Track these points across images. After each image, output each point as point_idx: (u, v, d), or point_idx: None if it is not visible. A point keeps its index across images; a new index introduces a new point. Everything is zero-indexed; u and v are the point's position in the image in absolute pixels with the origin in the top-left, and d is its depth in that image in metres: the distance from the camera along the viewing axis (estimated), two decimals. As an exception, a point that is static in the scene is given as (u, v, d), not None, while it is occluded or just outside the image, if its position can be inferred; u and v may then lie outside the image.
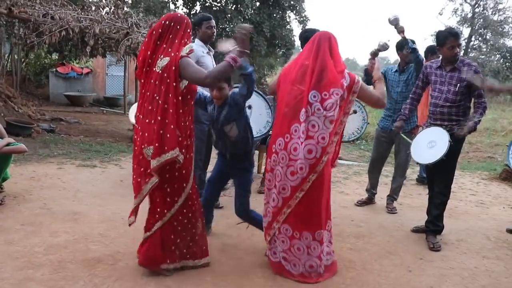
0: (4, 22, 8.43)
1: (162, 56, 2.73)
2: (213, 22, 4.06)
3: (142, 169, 2.80)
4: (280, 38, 18.81)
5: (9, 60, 13.01)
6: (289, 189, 2.94)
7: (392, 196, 4.81)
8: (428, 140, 3.78)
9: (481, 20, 26.56)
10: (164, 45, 2.76)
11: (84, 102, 13.80)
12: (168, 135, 2.70)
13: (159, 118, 2.70)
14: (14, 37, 8.76)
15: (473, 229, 4.27)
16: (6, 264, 2.96)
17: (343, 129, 3.15)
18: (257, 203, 4.72)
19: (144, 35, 8.54)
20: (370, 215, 4.59)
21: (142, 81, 2.87)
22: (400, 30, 4.33)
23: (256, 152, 5.86)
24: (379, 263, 3.39)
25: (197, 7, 18.42)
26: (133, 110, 5.68)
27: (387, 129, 4.65)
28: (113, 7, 8.96)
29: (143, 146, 2.76)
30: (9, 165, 4.32)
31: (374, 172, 4.91)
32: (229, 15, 17.25)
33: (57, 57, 15.12)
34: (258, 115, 4.55)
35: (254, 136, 4.48)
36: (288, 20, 19.65)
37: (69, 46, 10.08)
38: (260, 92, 5.02)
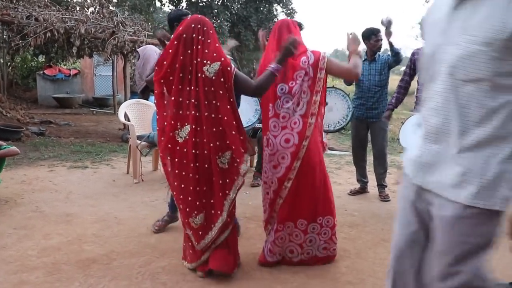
0: (-12, 26, 8.33)
1: (209, 62, 2.64)
2: None
3: (220, 181, 2.73)
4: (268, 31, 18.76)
5: (-5, 64, 12.87)
6: (276, 181, 2.98)
7: (381, 184, 4.83)
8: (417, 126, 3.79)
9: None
10: (206, 50, 2.66)
11: (73, 103, 13.69)
12: (241, 137, 2.74)
13: (233, 122, 2.71)
14: (-1, 41, 8.68)
15: (466, 213, 4.30)
16: (0, 268, 2.93)
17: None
18: (251, 197, 4.73)
19: (131, 33, 8.50)
20: (363, 204, 4.62)
21: (173, 87, 2.69)
22: (389, 35, 4.38)
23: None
24: (373, 251, 3.41)
25: (183, 4, 18.31)
26: (122, 110, 5.64)
27: (361, 117, 4.70)
28: (98, 7, 8.90)
29: (217, 156, 2.70)
30: (2, 170, 4.29)
31: (359, 160, 4.94)
32: (215, 10, 17.18)
33: (43, 60, 14.99)
34: (246, 104, 4.56)
35: (244, 125, 4.48)
36: (275, 13, 19.61)
37: (55, 47, 10.00)
38: None
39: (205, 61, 2.65)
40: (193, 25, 2.69)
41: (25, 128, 8.18)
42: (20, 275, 2.86)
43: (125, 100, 9.00)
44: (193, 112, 2.67)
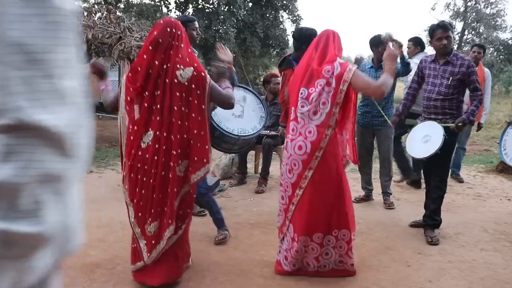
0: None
1: (182, 67, 2.59)
2: (197, 24, 4.06)
3: (175, 189, 2.65)
4: (273, 38, 18.85)
5: (3, 69, 12.98)
6: (290, 187, 2.96)
7: (386, 191, 4.81)
8: (423, 135, 3.79)
9: (474, 14, 26.67)
10: (180, 55, 2.61)
11: (79, 108, 13.77)
12: (206, 147, 2.69)
13: (195, 131, 2.64)
14: (7, 46, 8.73)
15: (471, 222, 4.28)
16: (4, 272, 2.94)
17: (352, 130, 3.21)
18: (255, 204, 4.74)
19: (137, 39, 8.54)
20: (368, 211, 4.60)
21: (146, 93, 2.61)
22: (398, 46, 4.29)
23: (252, 152, 5.87)
24: (377, 258, 3.39)
25: (190, 10, 18.42)
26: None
27: (367, 124, 4.69)
28: (105, 12, 8.95)
29: (177, 164, 2.63)
30: None
31: (365, 168, 4.91)
32: (222, 17, 17.26)
33: (51, 64, 15.09)
34: (251, 111, 4.57)
35: (250, 133, 4.50)
36: (281, 20, 19.70)
37: (62, 52, 10.05)
38: (250, 89, 5.03)
39: (178, 66, 2.59)
40: (168, 29, 2.63)
41: (32, 132, 8.22)
42: (24, 279, 2.86)
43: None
44: (158, 118, 2.60)
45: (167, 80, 2.58)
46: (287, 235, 3.03)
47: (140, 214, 2.73)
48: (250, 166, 6.01)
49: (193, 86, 2.61)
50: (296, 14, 19.57)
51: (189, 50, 2.71)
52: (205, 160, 2.70)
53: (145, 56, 2.62)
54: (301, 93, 2.92)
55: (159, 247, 2.71)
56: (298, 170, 2.89)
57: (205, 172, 2.73)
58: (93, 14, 9.12)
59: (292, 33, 4.60)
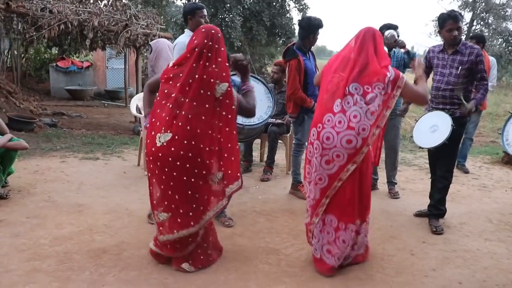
0: (2, 17, 8.39)
1: (218, 81, 2.68)
2: (206, 12, 4.01)
3: (205, 196, 2.78)
4: (280, 27, 18.73)
5: (9, 56, 13.00)
6: (326, 179, 2.91)
7: (391, 181, 4.81)
8: (430, 124, 3.77)
9: (483, 4, 26.31)
10: (216, 69, 2.69)
11: (85, 96, 13.78)
12: (234, 159, 2.82)
13: (229, 145, 2.77)
14: (13, 32, 8.75)
15: (476, 212, 4.28)
16: (13, 256, 2.99)
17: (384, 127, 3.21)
18: (260, 192, 4.75)
19: (143, 26, 8.53)
20: (373, 200, 4.50)
21: (173, 95, 2.68)
22: (402, 46, 4.27)
23: (258, 140, 5.88)
24: (382, 247, 3.41)
25: (196, -2, 18.31)
26: (134, 102, 5.67)
27: None
28: (111, 0, 8.93)
29: (209, 174, 2.74)
30: (15, 161, 4.34)
31: None
32: (228, 5, 17.16)
33: (57, 52, 15.10)
34: (259, 100, 4.55)
35: (256, 122, 4.49)
36: (287, 8, 19.54)
37: (69, 40, 10.06)
38: (259, 78, 5.01)
39: (212, 80, 2.66)
40: (205, 41, 2.70)
41: (38, 119, 8.26)
42: (32, 263, 2.91)
43: (137, 93, 9.05)
44: (180, 123, 2.64)
45: (201, 91, 2.65)
46: (327, 226, 2.99)
47: (152, 199, 2.88)
48: (256, 154, 6.02)
49: (228, 101, 2.72)
50: (303, 3, 19.41)
51: (227, 64, 2.78)
52: (238, 174, 2.84)
53: (184, 61, 2.73)
54: (355, 88, 2.85)
55: (168, 237, 2.82)
56: (341, 162, 2.85)
57: (239, 186, 2.86)
58: (99, 1, 9.11)
59: (299, 21, 4.54)
